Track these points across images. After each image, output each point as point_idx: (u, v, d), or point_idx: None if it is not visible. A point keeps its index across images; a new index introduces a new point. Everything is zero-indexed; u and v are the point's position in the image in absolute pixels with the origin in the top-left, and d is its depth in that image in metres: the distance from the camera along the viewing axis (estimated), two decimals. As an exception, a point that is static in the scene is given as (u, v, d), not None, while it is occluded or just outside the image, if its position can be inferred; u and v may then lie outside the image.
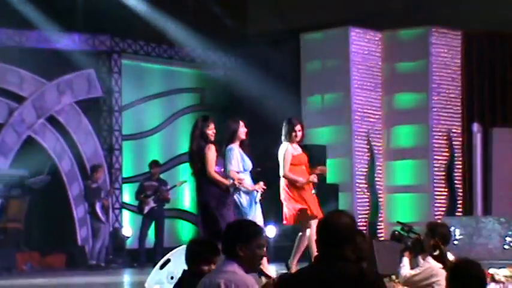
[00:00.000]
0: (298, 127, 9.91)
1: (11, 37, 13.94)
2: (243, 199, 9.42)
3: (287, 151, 9.83)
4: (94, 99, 14.91)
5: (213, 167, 9.19)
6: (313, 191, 10.01)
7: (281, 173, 9.83)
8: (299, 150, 9.98)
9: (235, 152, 9.43)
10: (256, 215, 9.43)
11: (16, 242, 13.46)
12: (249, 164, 9.61)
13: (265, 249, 4.89)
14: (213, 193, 9.21)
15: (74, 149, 14.57)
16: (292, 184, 9.84)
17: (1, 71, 13.97)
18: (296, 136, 9.87)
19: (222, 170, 9.37)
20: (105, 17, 14.29)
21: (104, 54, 14.96)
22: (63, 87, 14.52)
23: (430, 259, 7.07)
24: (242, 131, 9.60)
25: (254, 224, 5.12)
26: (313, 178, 9.91)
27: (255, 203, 9.45)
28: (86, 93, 14.80)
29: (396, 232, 7.34)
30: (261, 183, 9.49)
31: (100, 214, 13.63)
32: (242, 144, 9.66)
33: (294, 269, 9.28)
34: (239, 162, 9.41)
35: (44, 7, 13.46)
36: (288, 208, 9.83)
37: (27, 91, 14.18)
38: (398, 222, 7.51)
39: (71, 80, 14.61)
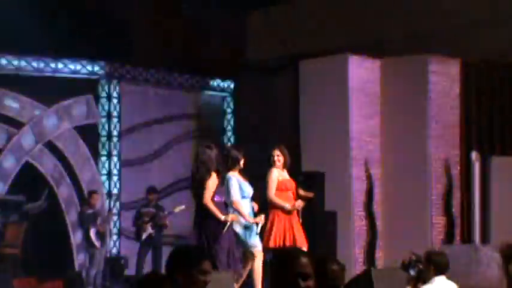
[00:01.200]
0: (275, 152, 9.95)
1: (11, 62, 13.96)
2: (241, 229, 9.43)
3: (272, 175, 9.86)
4: (93, 125, 14.92)
5: (209, 196, 9.19)
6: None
7: (267, 197, 9.85)
8: (286, 176, 10.00)
9: (234, 182, 9.45)
10: (256, 245, 9.43)
11: (13, 268, 13.40)
12: (249, 191, 9.62)
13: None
14: (208, 225, 9.21)
15: (72, 175, 14.56)
16: (278, 209, 9.84)
17: (0, 96, 13.98)
18: (274, 162, 9.90)
19: (223, 199, 9.37)
20: (104, 43, 14.33)
21: (103, 79, 14.98)
22: (61, 112, 14.54)
23: (423, 287, 7.10)
24: (242, 161, 9.63)
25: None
26: (299, 204, 9.90)
27: (256, 233, 9.46)
28: (85, 119, 14.81)
29: (405, 262, 7.37)
30: (262, 216, 9.51)
31: (94, 240, 13.59)
32: (240, 172, 9.68)
33: None
34: (239, 190, 9.43)
35: (43, 33, 13.49)
36: (275, 231, 9.82)
37: (26, 117, 14.19)
38: (411, 253, 7.53)
39: (69, 105, 14.62)
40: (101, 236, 13.72)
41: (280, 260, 4.11)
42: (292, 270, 4.03)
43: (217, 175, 9.27)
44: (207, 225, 9.20)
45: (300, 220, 10.01)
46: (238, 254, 9.45)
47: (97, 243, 13.62)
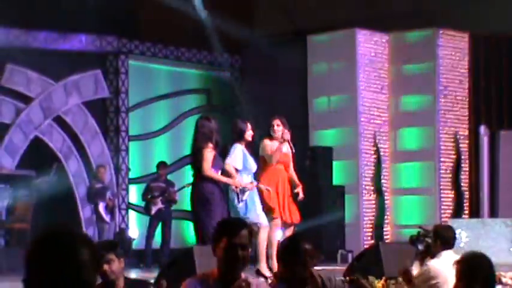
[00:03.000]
0: (275, 121, 9.88)
1: (18, 37, 13.95)
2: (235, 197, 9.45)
3: (264, 145, 9.82)
4: (101, 100, 14.94)
5: (209, 166, 9.21)
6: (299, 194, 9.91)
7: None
8: (283, 148, 9.82)
9: (238, 149, 9.48)
10: (258, 220, 9.43)
11: (23, 242, 13.46)
12: (253, 165, 9.62)
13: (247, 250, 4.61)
14: (199, 195, 9.24)
15: (80, 150, 14.60)
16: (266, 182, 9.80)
17: (8, 71, 13.99)
18: (274, 131, 9.82)
19: (219, 171, 9.39)
20: (112, 18, 14.31)
21: (111, 55, 14.98)
22: (70, 88, 14.55)
23: (430, 262, 7.12)
24: (249, 133, 9.62)
25: (233, 221, 5.00)
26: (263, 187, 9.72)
27: (250, 201, 9.45)
28: (93, 94, 14.83)
29: (413, 236, 7.39)
30: (254, 182, 9.51)
31: (104, 214, 13.64)
32: (247, 146, 9.69)
33: (269, 272, 9.23)
34: (241, 160, 9.45)
35: (50, 7, 13.47)
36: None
37: (34, 92, 14.20)
38: (419, 227, 7.53)
39: (78, 80, 14.63)
40: (110, 210, 13.77)
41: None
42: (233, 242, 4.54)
43: (215, 148, 9.28)
44: (200, 196, 9.23)
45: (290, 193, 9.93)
46: None
47: (106, 218, 13.67)
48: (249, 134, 9.60)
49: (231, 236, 4.56)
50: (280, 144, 9.78)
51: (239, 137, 9.56)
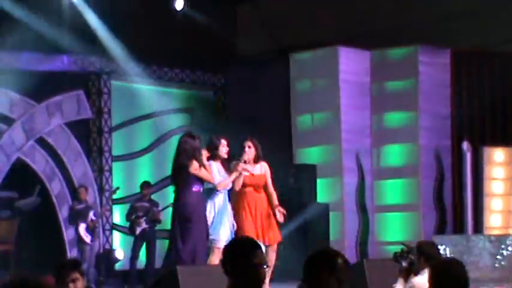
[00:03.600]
0: (247, 143, 9.80)
1: (1, 58, 13.93)
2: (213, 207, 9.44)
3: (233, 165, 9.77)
4: (83, 121, 14.91)
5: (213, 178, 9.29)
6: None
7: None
8: (252, 169, 9.77)
9: (213, 167, 9.48)
10: (217, 239, 9.40)
11: (6, 264, 13.41)
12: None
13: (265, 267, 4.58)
14: (181, 213, 9.24)
15: (63, 171, 14.55)
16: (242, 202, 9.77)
17: (-10, 92, 13.96)
18: (244, 152, 9.72)
19: (201, 189, 9.39)
20: (94, 38, 14.31)
21: (93, 75, 14.97)
22: (52, 108, 14.51)
23: (414, 278, 7.12)
24: (223, 149, 9.60)
25: (249, 240, 4.83)
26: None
27: (219, 217, 9.44)
28: (76, 115, 14.80)
29: (396, 253, 7.38)
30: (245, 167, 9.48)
31: (84, 235, 13.59)
32: (223, 163, 9.67)
33: None
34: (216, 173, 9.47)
35: (33, 28, 13.45)
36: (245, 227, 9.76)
37: (17, 113, 14.17)
38: (402, 243, 7.53)
39: (60, 101, 14.60)
40: (91, 230, 13.69)
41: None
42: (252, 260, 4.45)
43: (200, 166, 9.30)
44: (182, 214, 9.22)
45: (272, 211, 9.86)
46: (204, 245, 9.38)
47: (87, 239, 13.60)
48: (223, 151, 9.57)
49: (252, 256, 4.51)
50: (239, 169, 9.60)
51: (213, 153, 9.55)
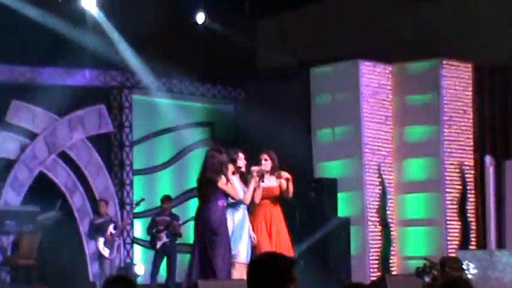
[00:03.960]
0: (263, 156, 9.82)
1: (23, 74, 14.01)
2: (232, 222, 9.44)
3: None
4: (105, 135, 14.95)
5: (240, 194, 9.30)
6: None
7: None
8: (269, 183, 9.78)
9: (235, 181, 9.49)
10: (237, 254, 9.39)
11: (28, 278, 13.44)
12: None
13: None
14: (208, 226, 9.24)
15: (85, 185, 14.60)
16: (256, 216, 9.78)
17: (13, 107, 14.04)
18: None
19: (225, 204, 9.40)
20: (116, 53, 14.36)
21: (115, 89, 15.02)
22: (74, 123, 14.58)
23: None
24: (240, 163, 9.61)
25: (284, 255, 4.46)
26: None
27: (238, 233, 9.43)
28: (97, 129, 14.85)
29: (419, 268, 7.36)
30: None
31: (102, 250, 13.60)
32: (241, 177, 9.68)
33: None
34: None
35: (55, 43, 13.53)
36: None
37: (39, 127, 14.24)
38: (425, 259, 7.50)
39: (82, 115, 14.67)
40: (110, 245, 13.66)
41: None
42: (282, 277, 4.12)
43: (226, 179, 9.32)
44: (208, 227, 9.22)
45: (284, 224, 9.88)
46: (229, 260, 9.39)
47: (104, 253, 13.60)
48: (240, 164, 9.58)
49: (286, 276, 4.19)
50: (256, 182, 9.62)
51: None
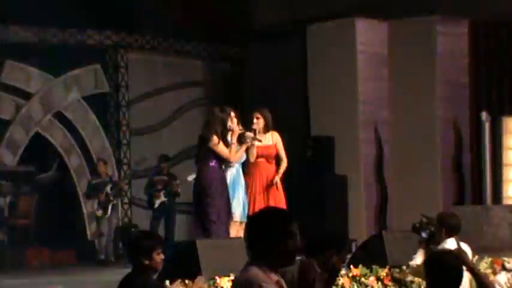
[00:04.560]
0: (254, 114, 9.78)
1: (17, 34, 13.94)
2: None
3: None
4: (101, 95, 14.92)
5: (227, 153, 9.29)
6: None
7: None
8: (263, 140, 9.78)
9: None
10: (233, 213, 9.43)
11: (26, 239, 13.50)
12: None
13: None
14: (201, 186, 9.26)
15: (82, 145, 14.59)
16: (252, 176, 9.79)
17: (7, 67, 13.99)
18: (252, 123, 9.71)
19: (217, 165, 9.38)
20: (111, 12, 14.28)
21: (110, 49, 14.95)
22: (70, 83, 14.54)
23: (435, 250, 7.10)
24: (231, 122, 9.57)
25: (283, 210, 4.50)
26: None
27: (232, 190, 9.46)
28: (93, 89, 14.81)
29: (415, 224, 7.37)
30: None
31: (95, 210, 13.61)
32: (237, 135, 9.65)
33: None
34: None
35: (49, 3, 13.44)
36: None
37: (34, 87, 14.20)
38: (422, 215, 7.51)
39: (77, 75, 14.62)
40: (103, 205, 13.63)
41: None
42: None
43: (222, 139, 9.30)
44: (197, 184, 9.26)
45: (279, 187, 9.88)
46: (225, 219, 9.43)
47: (97, 213, 13.60)
48: (229, 123, 9.54)
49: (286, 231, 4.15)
50: (248, 140, 9.60)
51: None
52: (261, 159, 9.80)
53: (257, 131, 9.71)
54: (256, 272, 4.04)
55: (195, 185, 9.41)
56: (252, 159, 9.72)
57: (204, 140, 9.24)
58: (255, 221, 4.23)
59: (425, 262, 5.01)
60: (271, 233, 4.08)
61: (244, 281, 4.05)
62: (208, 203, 9.19)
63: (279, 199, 9.82)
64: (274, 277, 4.09)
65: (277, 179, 9.84)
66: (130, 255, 5.65)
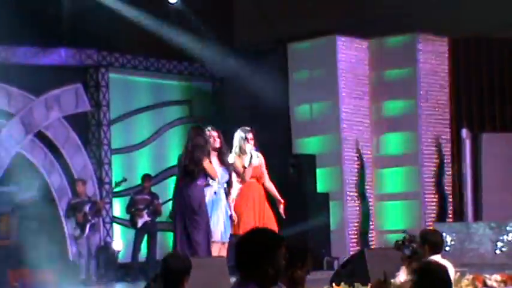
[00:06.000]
0: (250, 135, 9.83)
1: (-3, 53, 13.90)
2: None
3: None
4: (82, 114, 14.88)
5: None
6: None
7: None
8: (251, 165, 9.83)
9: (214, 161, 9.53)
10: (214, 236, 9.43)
11: (7, 259, 13.39)
12: (223, 176, 9.58)
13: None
14: (190, 205, 9.27)
15: (63, 164, 14.53)
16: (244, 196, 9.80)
17: (-12, 87, 13.93)
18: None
19: (204, 183, 9.42)
20: (92, 31, 14.27)
21: (91, 68, 14.94)
22: (50, 102, 14.49)
23: (418, 267, 7.11)
24: (211, 140, 9.59)
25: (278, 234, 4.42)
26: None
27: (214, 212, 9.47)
28: (74, 108, 14.77)
29: (398, 241, 7.38)
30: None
31: (72, 230, 13.55)
32: (219, 154, 9.66)
33: None
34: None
35: (29, 22, 13.41)
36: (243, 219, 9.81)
37: (15, 107, 14.14)
38: (403, 231, 7.53)
39: (58, 95, 14.57)
40: (81, 225, 13.55)
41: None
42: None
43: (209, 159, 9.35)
44: (187, 203, 9.27)
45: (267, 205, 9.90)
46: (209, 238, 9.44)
47: (75, 233, 13.54)
48: (212, 142, 9.56)
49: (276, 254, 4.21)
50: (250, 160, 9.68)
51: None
52: (252, 180, 9.83)
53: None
54: None
55: (182, 204, 9.39)
56: (248, 180, 9.74)
57: (199, 160, 9.27)
58: (246, 242, 4.23)
59: (415, 273, 5.01)
60: (262, 254, 4.11)
61: None
62: (198, 221, 9.21)
63: (271, 218, 9.83)
64: None
65: (281, 207, 9.89)
66: (163, 279, 5.58)
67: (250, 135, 9.80)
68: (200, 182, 9.35)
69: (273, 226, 9.82)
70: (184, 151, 9.48)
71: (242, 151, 9.76)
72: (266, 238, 4.22)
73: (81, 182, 13.89)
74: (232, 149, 9.83)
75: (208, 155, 9.34)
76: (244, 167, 9.70)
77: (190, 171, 9.34)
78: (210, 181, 9.45)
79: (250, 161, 9.69)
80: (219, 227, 9.51)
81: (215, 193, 9.52)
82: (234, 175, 9.72)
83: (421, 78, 14.76)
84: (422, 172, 14.71)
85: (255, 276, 4.11)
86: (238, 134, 9.85)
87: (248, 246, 4.18)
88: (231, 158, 9.71)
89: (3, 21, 13.19)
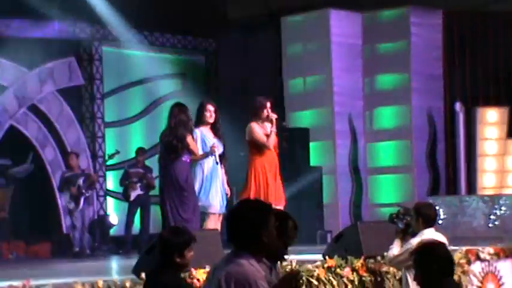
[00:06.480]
0: (268, 104, 9.78)
1: (-10, 26, 13.85)
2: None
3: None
4: (76, 87, 14.86)
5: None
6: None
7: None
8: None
9: (197, 135, 9.52)
10: (210, 205, 9.45)
11: (1, 232, 13.43)
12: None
13: None
14: (175, 180, 9.29)
15: (56, 138, 14.53)
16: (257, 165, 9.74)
17: (-20, 60, 13.90)
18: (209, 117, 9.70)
19: (189, 160, 9.44)
20: (85, 4, 14.21)
21: (85, 41, 14.90)
22: (44, 75, 14.46)
23: (412, 240, 7.15)
24: (207, 114, 9.58)
25: (267, 203, 4.48)
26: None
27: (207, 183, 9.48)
28: (68, 82, 14.75)
29: (392, 215, 7.42)
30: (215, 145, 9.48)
31: (67, 204, 13.56)
32: (213, 128, 9.65)
33: None
34: (200, 145, 9.49)
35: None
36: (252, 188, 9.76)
37: (8, 80, 14.12)
38: (398, 205, 7.57)
39: (52, 68, 14.55)
40: (75, 198, 13.54)
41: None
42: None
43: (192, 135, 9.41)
44: (173, 179, 9.29)
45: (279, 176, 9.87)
46: (199, 213, 9.46)
47: (69, 206, 13.54)
48: (207, 116, 9.55)
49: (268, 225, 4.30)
50: (272, 127, 9.62)
51: (197, 120, 9.60)
52: (271, 150, 9.76)
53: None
54: (248, 266, 4.12)
55: (169, 180, 9.41)
56: (272, 146, 9.64)
57: (183, 137, 9.29)
58: (236, 213, 4.28)
59: (416, 253, 5.03)
60: (252, 224, 4.16)
61: (241, 277, 4.10)
62: (186, 197, 9.24)
63: (280, 189, 9.84)
64: (262, 271, 4.16)
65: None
66: (160, 252, 5.54)
67: (268, 104, 9.73)
68: (185, 158, 9.38)
69: (283, 197, 9.84)
70: (168, 128, 9.49)
71: (263, 119, 9.67)
72: (257, 207, 4.27)
73: (75, 155, 13.87)
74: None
75: (191, 132, 9.37)
76: (267, 135, 9.59)
77: (173, 147, 9.35)
78: (213, 151, 9.42)
79: (270, 129, 9.60)
80: (218, 198, 9.53)
81: (217, 163, 9.51)
82: None
83: (414, 51, 14.75)
84: (415, 146, 14.74)
85: (249, 246, 4.15)
86: (257, 103, 9.73)
87: (240, 217, 4.22)
88: (248, 127, 9.62)
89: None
